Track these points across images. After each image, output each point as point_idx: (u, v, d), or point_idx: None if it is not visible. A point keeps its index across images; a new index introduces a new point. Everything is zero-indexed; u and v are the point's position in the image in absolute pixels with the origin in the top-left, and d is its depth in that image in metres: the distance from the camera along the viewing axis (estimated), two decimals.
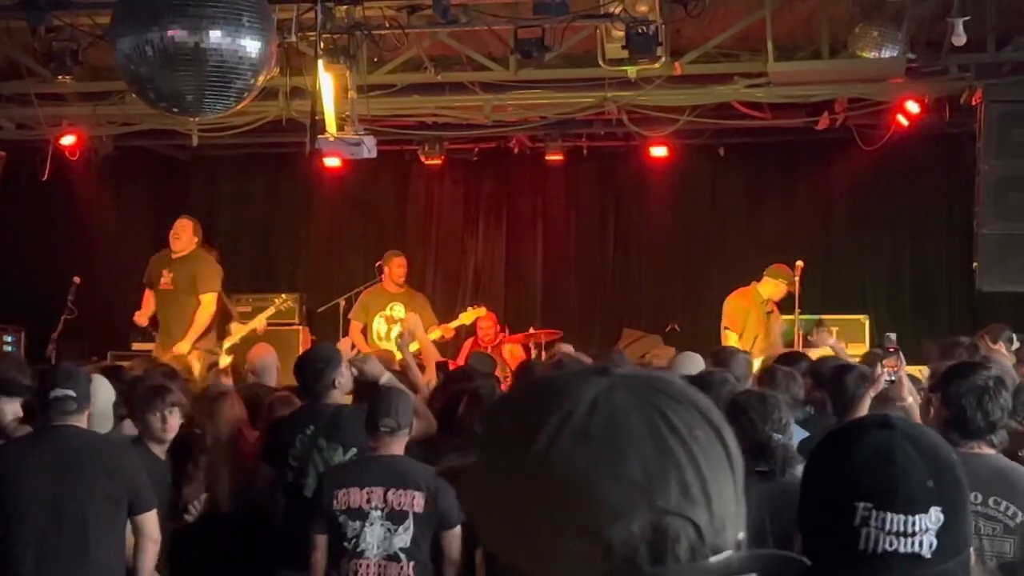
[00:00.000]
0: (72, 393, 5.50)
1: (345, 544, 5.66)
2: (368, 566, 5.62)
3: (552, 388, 1.22)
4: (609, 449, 1.15)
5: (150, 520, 5.55)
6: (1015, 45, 10.24)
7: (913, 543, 1.81)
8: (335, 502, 5.67)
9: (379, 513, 5.62)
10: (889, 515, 1.82)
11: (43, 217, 14.55)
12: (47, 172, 12.32)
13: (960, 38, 8.86)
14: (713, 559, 1.16)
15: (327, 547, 5.74)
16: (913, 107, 11.36)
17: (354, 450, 6.24)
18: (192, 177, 15.45)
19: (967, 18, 8.78)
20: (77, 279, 11.61)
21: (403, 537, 5.61)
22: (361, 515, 5.64)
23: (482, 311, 12.47)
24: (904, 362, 6.59)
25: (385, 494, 5.63)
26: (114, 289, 13.49)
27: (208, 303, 10.95)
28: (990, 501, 4.24)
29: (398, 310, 11.75)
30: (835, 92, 11.34)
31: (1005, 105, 10.38)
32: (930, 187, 13.85)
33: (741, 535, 1.20)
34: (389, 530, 5.62)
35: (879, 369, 6.34)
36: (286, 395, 7.13)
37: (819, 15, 10.15)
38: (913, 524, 1.82)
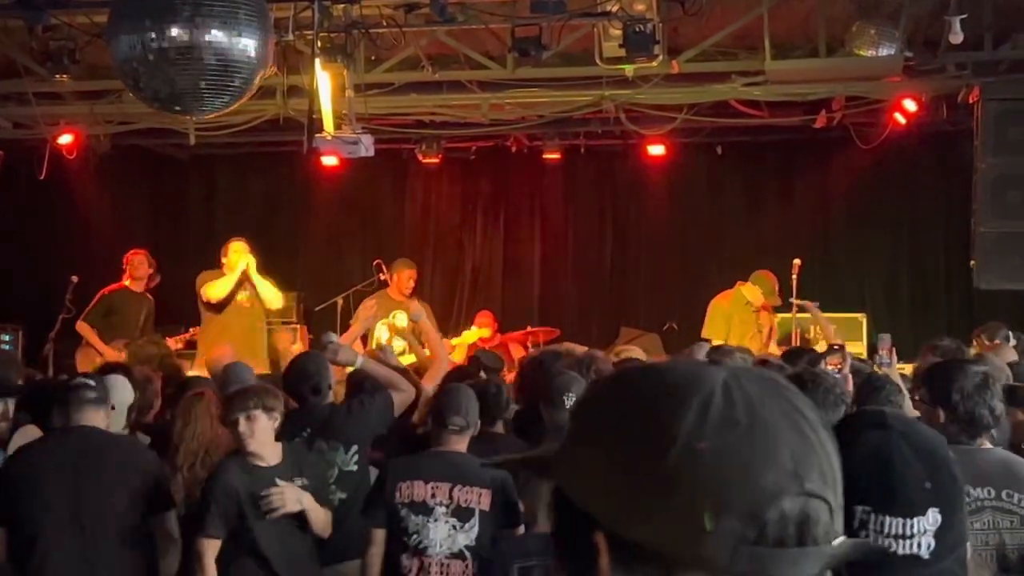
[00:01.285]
0: (91, 383, 5.53)
1: (405, 539, 5.48)
2: (430, 563, 5.46)
3: (673, 379, 1.25)
4: (760, 434, 1.20)
5: (169, 519, 5.56)
6: (1012, 43, 10.24)
7: (911, 545, 1.81)
8: (398, 494, 5.49)
9: (444, 509, 5.46)
10: (887, 518, 1.82)
11: (41, 216, 14.55)
12: (45, 171, 12.32)
13: (957, 36, 8.86)
14: (835, 542, 1.22)
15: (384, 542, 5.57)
16: (910, 105, 11.37)
17: (355, 447, 6.20)
18: (190, 176, 15.45)
19: (964, 16, 8.78)
20: (75, 278, 11.61)
21: (469, 535, 5.45)
22: (425, 510, 5.47)
23: (484, 332, 12.46)
24: (849, 360, 6.61)
25: (451, 490, 5.48)
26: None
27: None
28: (1003, 495, 4.24)
29: (400, 319, 11.71)
30: (832, 90, 11.34)
31: (1002, 103, 10.39)
32: (927, 185, 13.86)
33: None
34: (454, 527, 5.47)
35: (823, 365, 6.36)
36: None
37: (816, 13, 10.14)
38: (911, 527, 1.82)
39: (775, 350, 10.80)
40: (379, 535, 5.56)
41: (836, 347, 6.66)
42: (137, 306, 11.36)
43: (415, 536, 5.48)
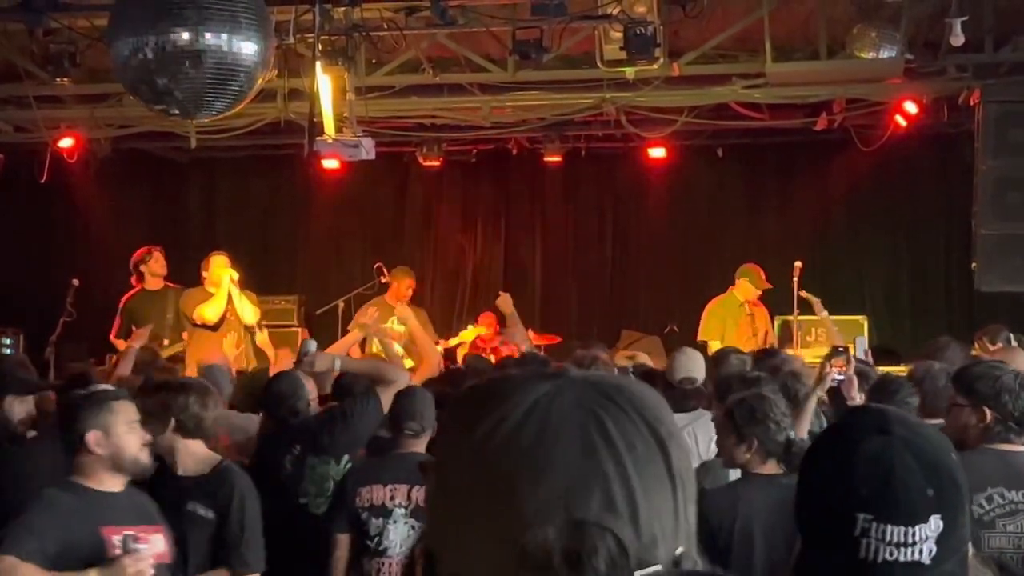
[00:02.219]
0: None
1: (368, 542, 5.57)
2: (391, 564, 5.55)
3: (498, 389, 1.23)
4: (534, 455, 1.16)
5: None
6: (1013, 45, 10.24)
7: (913, 552, 1.81)
8: (358, 499, 5.59)
9: (403, 511, 5.56)
10: (889, 527, 1.82)
11: (41, 219, 14.55)
12: (45, 174, 12.33)
13: (958, 38, 8.86)
14: (638, 573, 1.15)
15: (349, 546, 5.66)
16: (911, 107, 11.37)
17: (347, 457, 6.18)
18: (190, 179, 15.45)
19: (965, 18, 8.78)
20: (76, 281, 11.60)
21: None
22: (384, 512, 5.57)
23: (482, 329, 12.44)
24: (853, 362, 6.61)
25: (409, 491, 5.57)
26: (113, 291, 13.48)
27: None
28: None
29: (399, 325, 11.69)
30: (833, 93, 11.34)
31: (1003, 105, 10.39)
32: (928, 187, 13.85)
33: (681, 550, 1.19)
34: (413, 527, 5.56)
35: (826, 367, 6.35)
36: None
37: (817, 16, 10.14)
38: (913, 535, 1.81)
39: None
40: (343, 540, 5.69)
41: (840, 349, 6.65)
42: (160, 304, 11.28)
43: (376, 539, 5.60)
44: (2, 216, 14.13)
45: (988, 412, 4.45)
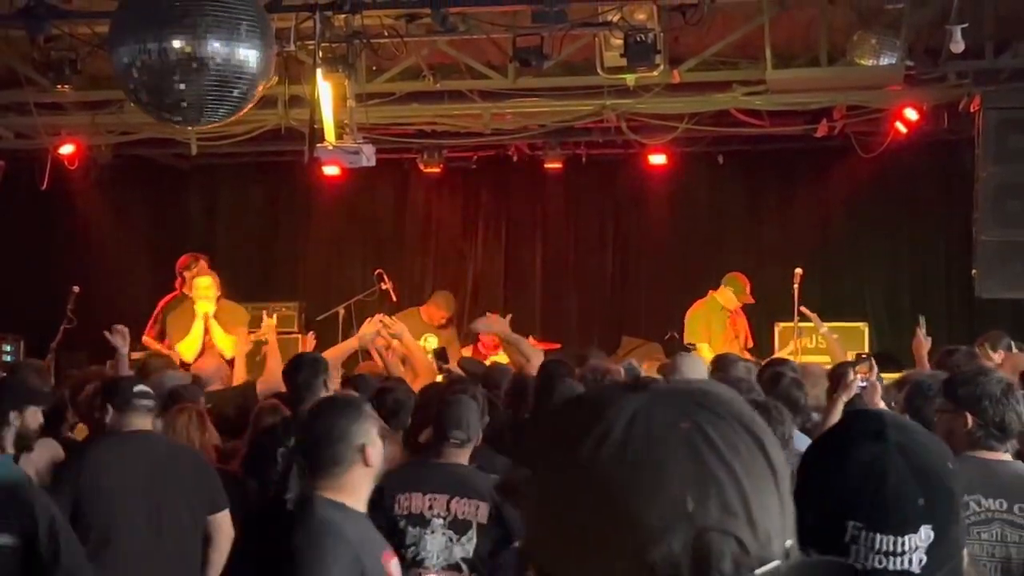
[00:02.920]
0: (150, 391, 5.61)
1: (403, 551, 5.39)
2: None
3: (591, 402, 1.24)
4: (647, 468, 1.16)
5: (224, 518, 5.70)
6: (1013, 52, 10.25)
7: (902, 561, 1.81)
8: (396, 506, 5.48)
9: (441, 521, 5.45)
10: (878, 535, 1.81)
11: (42, 226, 14.54)
12: (46, 181, 12.32)
13: (958, 45, 8.87)
14: (759, 570, 1.17)
15: None
16: (912, 114, 11.39)
17: None
18: (191, 186, 15.45)
19: (965, 25, 8.79)
20: (76, 288, 11.58)
21: (466, 547, 5.44)
22: (423, 522, 5.47)
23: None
24: (876, 369, 6.64)
25: (449, 502, 5.47)
26: (113, 298, 13.48)
27: None
28: (1016, 508, 4.23)
29: (432, 342, 11.68)
30: (833, 100, 11.35)
31: (1003, 112, 10.40)
32: (929, 194, 13.85)
33: (790, 543, 1.22)
34: (451, 539, 5.45)
35: (851, 375, 6.38)
36: (274, 403, 7.05)
37: (817, 23, 10.15)
38: (903, 544, 1.81)
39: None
40: None
41: (864, 356, 6.70)
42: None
43: (412, 548, 5.46)
44: (2, 223, 14.11)
45: (970, 418, 4.45)
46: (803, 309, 11.03)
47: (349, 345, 9.30)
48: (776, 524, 1.20)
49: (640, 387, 1.24)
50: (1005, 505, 4.22)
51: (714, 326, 11.57)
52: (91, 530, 5.45)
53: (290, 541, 4.45)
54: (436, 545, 5.46)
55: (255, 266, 15.05)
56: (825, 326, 10.84)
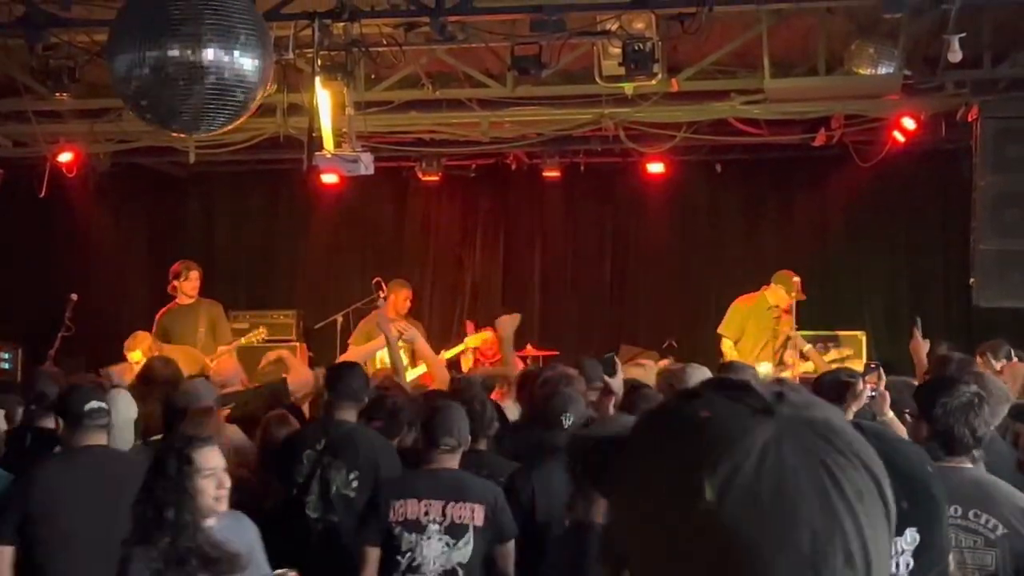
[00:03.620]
0: (106, 406, 5.54)
1: (399, 558, 5.49)
2: None
3: (715, 431, 1.15)
4: (779, 514, 1.10)
5: None
6: (1011, 61, 10.26)
7: (890, 565, 1.81)
8: (392, 513, 5.52)
9: (437, 527, 5.49)
10: None
11: (40, 234, 14.55)
12: (44, 189, 12.32)
13: (956, 55, 8.88)
14: None
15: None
16: (909, 123, 11.40)
17: (356, 473, 6.15)
18: (189, 194, 15.45)
19: (963, 35, 8.80)
20: (74, 296, 11.60)
21: (463, 551, 5.49)
22: (419, 527, 5.50)
23: (487, 334, 12.44)
24: (884, 378, 6.64)
25: (444, 507, 5.52)
26: (111, 306, 13.50)
27: None
28: (970, 514, 4.27)
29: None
30: (831, 109, 11.36)
31: (1001, 121, 10.41)
32: (927, 203, 13.87)
33: None
34: (448, 544, 5.49)
35: (860, 385, 6.39)
36: (282, 414, 7.07)
37: (815, 32, 10.16)
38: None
39: (790, 359, 10.89)
40: (373, 554, 5.58)
41: (872, 365, 6.69)
42: (193, 319, 11.25)
43: (409, 554, 5.50)
44: (1, 230, 14.12)
45: (925, 426, 4.50)
46: (796, 337, 11.13)
47: (377, 344, 9.33)
48: (887, 566, 1.17)
49: (766, 411, 1.15)
50: (960, 511, 4.25)
51: (751, 324, 11.54)
52: (40, 546, 5.40)
53: None
54: (433, 551, 5.49)
55: (253, 274, 15.06)
56: (808, 345, 10.95)
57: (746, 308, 11.65)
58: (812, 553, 1.09)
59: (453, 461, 5.67)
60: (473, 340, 12.20)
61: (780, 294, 11.51)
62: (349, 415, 6.40)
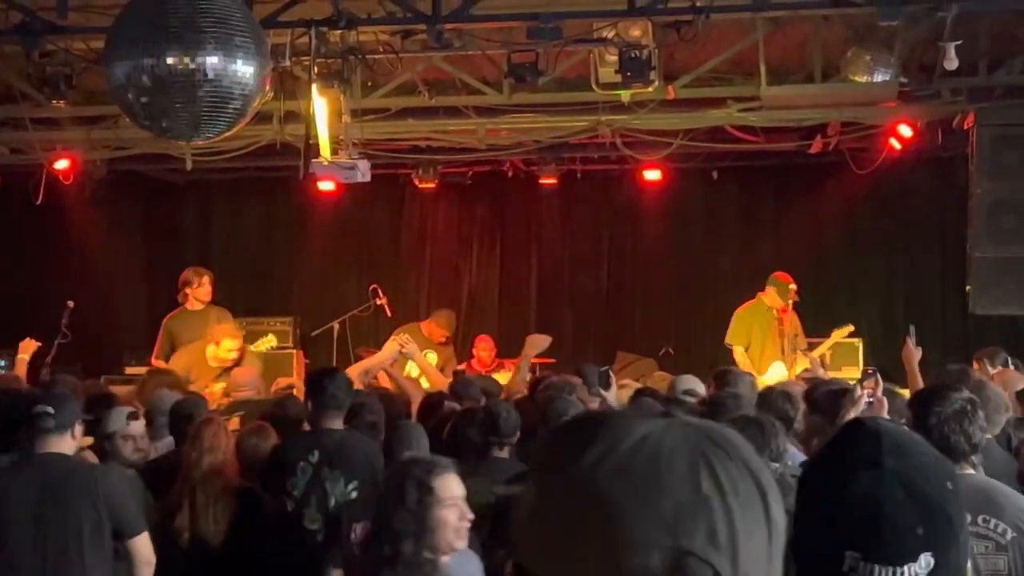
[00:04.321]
0: (51, 410, 5.50)
1: None
2: None
3: (609, 420, 1.26)
4: (645, 482, 1.19)
5: (140, 543, 5.53)
6: (1007, 69, 10.29)
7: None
8: (354, 535, 5.55)
9: None
10: (877, 567, 1.81)
11: (37, 241, 14.54)
12: (41, 196, 12.32)
13: (952, 62, 8.89)
14: None
15: None
16: (906, 131, 11.41)
17: (355, 483, 6.14)
18: (186, 201, 15.46)
19: (959, 42, 8.81)
20: (71, 303, 11.57)
21: None
22: None
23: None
24: (882, 384, 6.63)
25: None
26: (108, 313, 13.49)
27: None
28: (979, 520, 4.26)
29: (431, 358, 11.64)
30: (828, 116, 11.38)
31: (997, 129, 10.42)
32: (923, 210, 13.88)
33: None
34: None
35: (859, 391, 6.38)
36: (261, 425, 7.01)
37: (812, 39, 10.18)
38: (901, 574, 1.81)
39: (804, 361, 10.91)
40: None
41: (869, 371, 6.69)
42: (201, 324, 11.16)
43: None
44: None
45: (919, 436, 4.51)
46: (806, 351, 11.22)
47: (377, 360, 9.28)
48: (760, 571, 1.21)
49: (662, 414, 1.26)
50: (969, 518, 4.24)
51: (756, 329, 11.56)
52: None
53: None
54: None
55: (250, 281, 15.04)
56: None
57: (747, 314, 11.67)
58: (674, 521, 1.17)
59: None
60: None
61: (773, 296, 11.54)
62: (336, 423, 6.37)
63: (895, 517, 1.82)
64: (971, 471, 4.51)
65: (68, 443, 5.59)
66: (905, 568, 1.81)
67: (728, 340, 11.59)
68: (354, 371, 8.90)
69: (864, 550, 1.82)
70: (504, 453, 6.32)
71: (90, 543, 5.42)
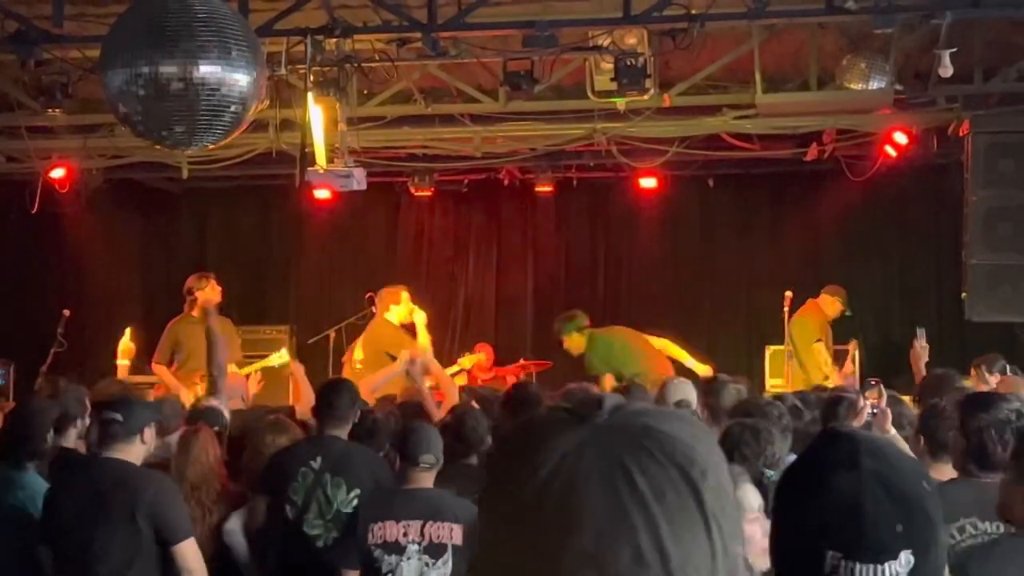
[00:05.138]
0: (119, 417, 5.55)
1: None
2: None
3: (528, 439, 1.24)
4: (563, 513, 1.17)
5: (186, 549, 5.56)
6: (1002, 76, 10.30)
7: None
8: (370, 536, 5.56)
9: (416, 547, 5.52)
10: (858, 565, 1.81)
11: (33, 250, 14.53)
12: (37, 205, 12.31)
13: (947, 69, 8.90)
14: None
15: None
16: (901, 138, 11.43)
17: (357, 491, 6.15)
18: (182, 209, 15.44)
19: (954, 50, 8.82)
20: (67, 312, 11.57)
21: (442, 570, 5.52)
22: (398, 549, 5.53)
23: (481, 356, 12.46)
24: (885, 395, 6.63)
25: (423, 527, 5.54)
26: (104, 322, 13.46)
27: None
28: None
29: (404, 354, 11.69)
30: (823, 123, 11.39)
31: (992, 136, 10.43)
32: (918, 218, 13.89)
33: None
34: (427, 564, 5.52)
35: (861, 402, 6.38)
36: (279, 419, 7.05)
37: (807, 47, 10.19)
38: (882, 572, 1.81)
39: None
40: None
41: (873, 382, 6.68)
42: (202, 331, 11.11)
43: (389, 575, 5.52)
44: None
45: (963, 443, 4.52)
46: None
47: (393, 369, 9.35)
48: (703, 570, 1.19)
49: (581, 420, 1.23)
50: (1002, 528, 4.22)
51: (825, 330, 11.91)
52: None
53: None
54: (412, 571, 5.54)
55: (246, 289, 15.01)
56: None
57: (815, 315, 12.05)
58: (596, 552, 1.15)
59: (430, 480, 5.71)
60: (466, 361, 12.20)
61: (836, 306, 11.85)
62: (341, 432, 6.41)
63: (875, 514, 1.83)
64: None
65: (137, 449, 5.65)
66: (886, 566, 1.81)
67: (810, 339, 11.82)
68: (365, 388, 8.98)
69: (845, 549, 1.82)
70: (473, 460, 6.41)
71: (133, 550, 5.47)
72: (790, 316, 11.31)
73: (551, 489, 1.18)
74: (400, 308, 11.07)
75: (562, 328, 11.43)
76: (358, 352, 11.05)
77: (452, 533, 5.53)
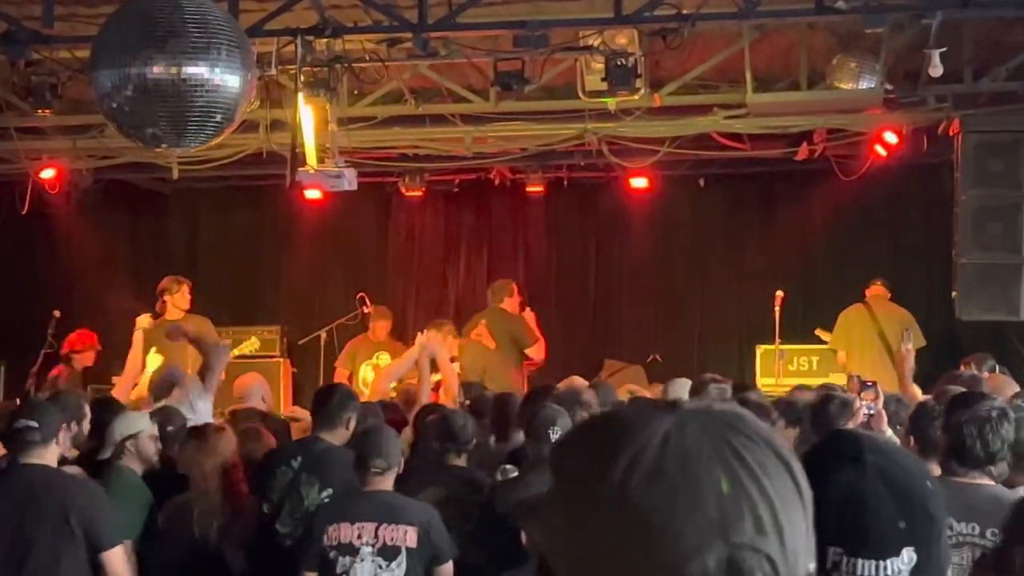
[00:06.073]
0: (35, 424, 5.52)
1: None
2: None
3: (623, 423, 1.24)
4: (683, 487, 1.18)
5: (112, 557, 5.54)
6: (992, 76, 10.32)
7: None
8: (326, 538, 5.62)
9: (370, 549, 5.57)
10: (860, 561, 1.81)
11: (22, 251, 14.49)
12: (27, 206, 12.29)
13: (937, 69, 8.92)
14: None
15: None
16: (891, 138, 11.44)
17: (330, 490, 6.21)
18: (172, 210, 15.41)
19: (944, 49, 8.84)
20: (57, 313, 11.55)
21: (395, 572, 5.56)
22: (352, 551, 5.58)
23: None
24: (881, 395, 6.64)
25: (377, 529, 5.59)
26: (94, 323, 13.42)
27: None
28: (988, 533, 4.22)
29: (384, 359, 11.74)
30: (814, 123, 11.40)
31: (982, 135, 10.44)
32: (908, 217, 13.91)
33: (812, 566, 1.24)
34: (380, 566, 5.56)
35: (858, 403, 6.39)
36: (255, 428, 7.07)
37: (797, 47, 10.20)
38: (885, 568, 1.81)
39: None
40: None
41: (869, 383, 6.69)
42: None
43: None
44: None
45: (912, 440, 4.53)
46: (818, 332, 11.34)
47: (409, 355, 9.38)
48: (802, 546, 1.22)
49: (671, 407, 1.25)
50: (977, 529, 4.23)
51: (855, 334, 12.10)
52: None
53: None
54: (365, 573, 5.60)
55: (237, 290, 15.01)
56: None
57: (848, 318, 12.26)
58: (720, 518, 1.16)
59: (386, 483, 5.76)
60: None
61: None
62: (330, 434, 6.45)
63: (877, 511, 1.82)
64: (988, 481, 4.46)
65: (53, 451, 5.63)
66: (888, 563, 1.81)
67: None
68: (383, 379, 9.08)
69: (847, 545, 1.82)
70: (461, 460, 6.42)
71: (66, 555, 5.44)
72: (781, 316, 11.31)
73: (665, 465, 1.19)
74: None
75: None
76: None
77: (407, 536, 5.59)
